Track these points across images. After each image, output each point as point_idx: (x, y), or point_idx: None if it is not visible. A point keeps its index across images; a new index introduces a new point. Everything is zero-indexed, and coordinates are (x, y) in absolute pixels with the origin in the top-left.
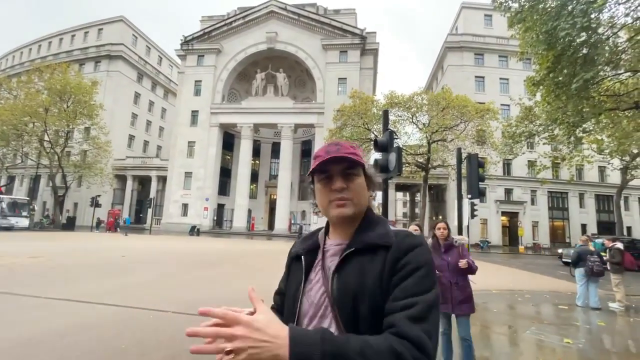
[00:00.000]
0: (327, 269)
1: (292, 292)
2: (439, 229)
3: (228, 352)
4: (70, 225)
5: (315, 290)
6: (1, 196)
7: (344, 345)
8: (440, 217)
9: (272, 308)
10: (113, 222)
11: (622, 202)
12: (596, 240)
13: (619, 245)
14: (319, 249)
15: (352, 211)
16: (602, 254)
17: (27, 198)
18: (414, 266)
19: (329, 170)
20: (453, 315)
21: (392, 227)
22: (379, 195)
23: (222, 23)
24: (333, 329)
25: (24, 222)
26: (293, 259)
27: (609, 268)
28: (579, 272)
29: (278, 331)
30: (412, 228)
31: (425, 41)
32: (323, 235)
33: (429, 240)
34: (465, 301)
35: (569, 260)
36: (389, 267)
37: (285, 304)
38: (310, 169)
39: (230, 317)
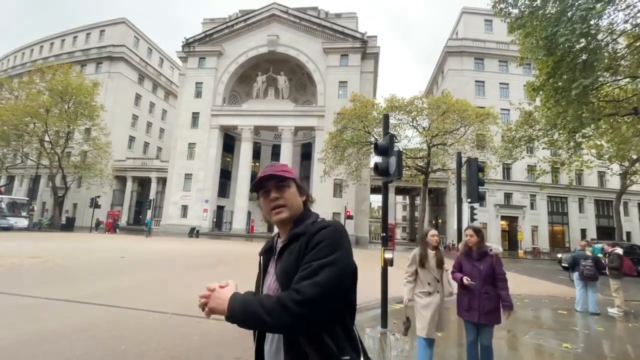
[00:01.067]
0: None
1: (258, 285)
2: (466, 235)
3: (201, 306)
4: (69, 225)
5: (270, 278)
6: (1, 196)
7: (252, 297)
8: (440, 220)
9: None
10: (112, 223)
11: (621, 208)
12: (595, 246)
13: (619, 250)
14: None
15: (287, 215)
16: (600, 255)
17: (27, 198)
18: (317, 241)
19: (266, 186)
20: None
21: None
22: (379, 198)
23: (224, 26)
24: None
25: (23, 222)
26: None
27: (607, 273)
28: (576, 276)
29: (227, 294)
30: (432, 233)
31: (422, 44)
32: (277, 237)
33: (461, 245)
34: (493, 311)
35: (568, 265)
36: (304, 247)
37: None
38: (251, 187)
39: (209, 287)
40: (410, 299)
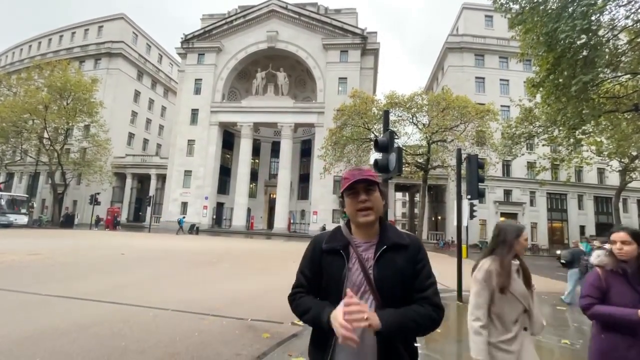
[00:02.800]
0: (364, 259)
1: (336, 277)
2: (615, 242)
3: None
4: (69, 222)
5: (356, 275)
6: (0, 193)
7: (399, 316)
8: (440, 217)
9: (299, 287)
10: (111, 220)
11: (620, 204)
12: (594, 242)
13: (607, 246)
14: (349, 244)
15: (373, 217)
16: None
17: (26, 195)
18: (426, 260)
19: (355, 187)
20: None
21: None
22: None
23: (223, 21)
24: (371, 300)
25: (23, 219)
26: (326, 252)
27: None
28: (573, 272)
29: (373, 314)
30: (525, 235)
31: (419, 42)
32: (348, 234)
33: (597, 257)
34: None
35: (566, 261)
36: (412, 259)
37: (327, 286)
38: (342, 188)
39: (361, 308)
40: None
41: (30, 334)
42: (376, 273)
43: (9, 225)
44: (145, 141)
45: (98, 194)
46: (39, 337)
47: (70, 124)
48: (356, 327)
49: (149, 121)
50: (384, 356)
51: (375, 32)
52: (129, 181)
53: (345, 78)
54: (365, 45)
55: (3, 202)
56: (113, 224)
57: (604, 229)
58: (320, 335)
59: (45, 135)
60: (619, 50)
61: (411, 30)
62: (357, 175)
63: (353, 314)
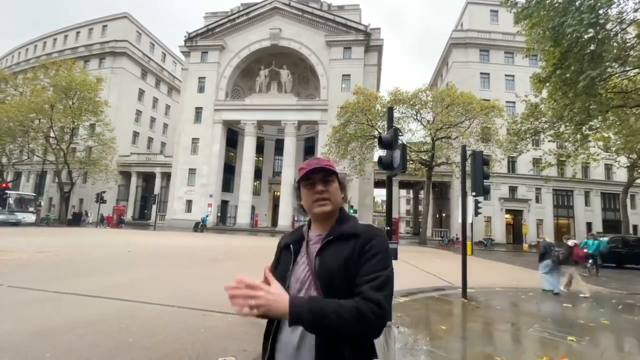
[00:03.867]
0: (311, 253)
1: (282, 273)
2: None
3: (251, 307)
4: (76, 220)
5: (301, 270)
6: (8, 192)
7: (323, 303)
8: (444, 214)
9: None
10: (112, 219)
11: (628, 201)
12: (601, 239)
13: (570, 242)
14: (303, 239)
15: (330, 208)
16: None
17: (34, 194)
18: (376, 251)
19: (312, 178)
20: None
21: (360, 222)
22: (382, 192)
23: (226, 19)
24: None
25: (31, 218)
26: (282, 249)
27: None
28: (545, 264)
29: (283, 296)
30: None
31: (419, 39)
32: (306, 229)
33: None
34: None
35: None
36: (358, 250)
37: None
38: (298, 178)
39: (252, 284)
40: None
41: (39, 330)
42: (317, 265)
43: (17, 224)
44: (150, 140)
45: (104, 192)
46: (47, 333)
47: (75, 123)
48: (239, 311)
49: (153, 120)
50: (321, 349)
51: (379, 29)
52: (134, 179)
53: (349, 75)
54: (369, 42)
55: (11, 201)
56: (118, 222)
57: (611, 226)
58: (265, 338)
59: (52, 134)
60: (628, 44)
61: (408, 27)
62: (314, 164)
63: (237, 297)
